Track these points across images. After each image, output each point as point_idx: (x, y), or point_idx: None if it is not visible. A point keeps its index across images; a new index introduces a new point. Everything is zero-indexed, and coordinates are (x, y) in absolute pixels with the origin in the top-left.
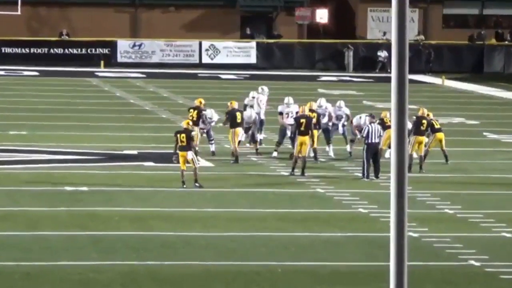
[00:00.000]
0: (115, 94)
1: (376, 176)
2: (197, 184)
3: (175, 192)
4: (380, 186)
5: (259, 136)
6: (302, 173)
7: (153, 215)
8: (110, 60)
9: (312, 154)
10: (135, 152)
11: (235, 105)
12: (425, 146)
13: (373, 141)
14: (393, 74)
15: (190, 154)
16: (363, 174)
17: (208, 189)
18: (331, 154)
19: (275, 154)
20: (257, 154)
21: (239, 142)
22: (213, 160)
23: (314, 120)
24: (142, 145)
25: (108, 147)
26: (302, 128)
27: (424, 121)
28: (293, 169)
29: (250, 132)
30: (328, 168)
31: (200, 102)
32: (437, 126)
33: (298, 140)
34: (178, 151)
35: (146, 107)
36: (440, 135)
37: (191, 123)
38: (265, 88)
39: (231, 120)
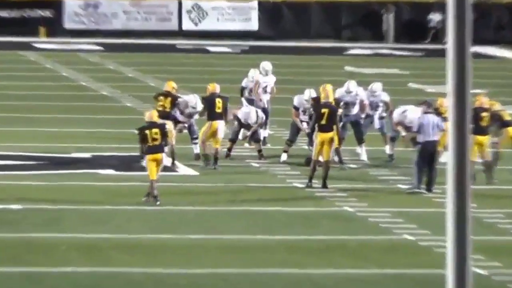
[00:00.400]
0: (60, 73)
1: (429, 189)
2: (157, 201)
3: (144, 212)
4: (433, 203)
5: (263, 133)
6: (324, 185)
7: (113, 243)
8: (54, 27)
9: (336, 158)
10: (88, 155)
11: (216, 88)
12: (492, 147)
13: (430, 138)
14: (450, 46)
15: (165, 158)
16: (415, 185)
17: (190, 207)
18: (364, 157)
19: (284, 157)
20: (259, 158)
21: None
22: (198, 167)
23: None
24: (97, 145)
25: (51, 149)
26: (324, 122)
27: (484, 114)
28: (310, 178)
29: (250, 131)
30: (360, 177)
31: (173, 88)
32: (506, 119)
33: (318, 138)
34: (146, 154)
35: (103, 92)
36: None
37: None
38: (268, 66)
39: (208, 109)
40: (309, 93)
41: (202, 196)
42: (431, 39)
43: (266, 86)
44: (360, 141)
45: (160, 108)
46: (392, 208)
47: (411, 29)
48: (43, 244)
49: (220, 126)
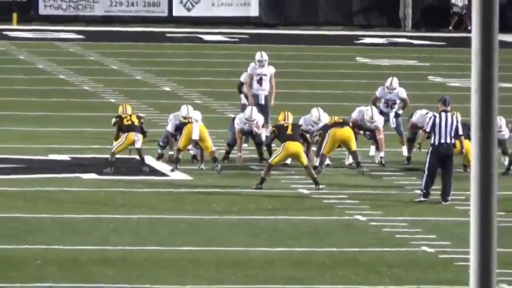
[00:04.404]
0: (35, 65)
1: (444, 199)
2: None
3: (130, 222)
4: (455, 212)
5: (264, 132)
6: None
7: (96, 257)
8: (28, 12)
9: (349, 161)
10: (67, 157)
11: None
12: None
13: (443, 140)
14: (475, 34)
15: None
16: (422, 191)
17: (183, 215)
18: (378, 159)
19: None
20: (260, 161)
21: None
22: (193, 171)
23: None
24: (78, 146)
25: (25, 150)
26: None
27: None
28: (316, 183)
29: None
30: (373, 182)
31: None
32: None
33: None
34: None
35: (84, 87)
36: None
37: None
38: (263, 55)
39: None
40: (318, 114)
41: (196, 204)
42: (454, 26)
43: (260, 79)
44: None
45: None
46: (409, 217)
47: (431, 15)
48: (17, 257)
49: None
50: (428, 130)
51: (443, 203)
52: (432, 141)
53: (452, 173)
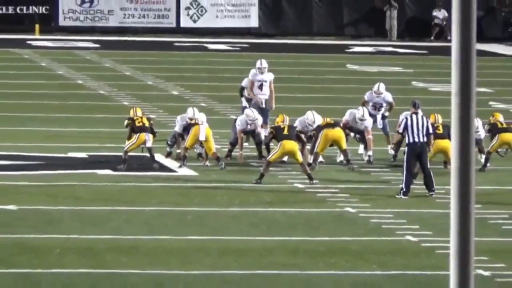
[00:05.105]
0: (56, 72)
1: (430, 190)
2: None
3: (142, 213)
4: (436, 204)
5: (263, 132)
6: (309, 178)
7: (110, 246)
8: (49, 23)
9: (340, 158)
10: (84, 155)
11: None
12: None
13: (417, 139)
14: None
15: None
16: (402, 190)
17: (189, 208)
18: (366, 157)
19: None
20: (260, 158)
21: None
22: (199, 167)
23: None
24: (94, 145)
25: (47, 148)
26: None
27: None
28: (310, 178)
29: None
30: (362, 178)
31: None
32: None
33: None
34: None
35: (100, 91)
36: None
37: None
38: (264, 63)
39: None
40: (313, 116)
41: (202, 197)
42: (435, 36)
43: (261, 85)
44: (362, 140)
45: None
46: (394, 209)
47: (415, 26)
48: (37, 247)
49: (201, 129)
50: (400, 131)
51: (430, 193)
52: (407, 141)
53: (427, 165)
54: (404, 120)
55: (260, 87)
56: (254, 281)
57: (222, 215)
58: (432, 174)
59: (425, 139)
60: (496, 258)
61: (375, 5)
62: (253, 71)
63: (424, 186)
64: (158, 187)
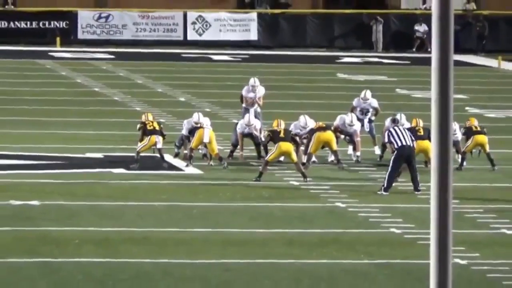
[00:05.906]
0: (75, 80)
1: (416, 189)
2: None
3: (152, 208)
4: (418, 200)
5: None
6: (303, 176)
7: (124, 237)
8: (69, 37)
9: (331, 158)
10: (100, 155)
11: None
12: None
13: (405, 143)
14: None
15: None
16: (383, 185)
17: (195, 203)
18: (355, 157)
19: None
20: (259, 158)
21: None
22: (204, 166)
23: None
24: (110, 146)
25: (66, 149)
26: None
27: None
28: (304, 176)
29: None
30: (351, 176)
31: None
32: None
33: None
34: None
35: (115, 97)
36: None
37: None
38: (255, 81)
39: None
40: (305, 120)
41: (206, 194)
42: (416, 48)
43: (252, 102)
44: (350, 142)
45: (152, 127)
46: (380, 204)
47: (398, 39)
48: (58, 238)
49: (206, 132)
50: (386, 141)
51: (416, 192)
52: (395, 146)
53: (416, 168)
54: (387, 132)
55: (252, 104)
56: (254, 269)
57: (225, 210)
58: (418, 175)
59: (413, 144)
60: (472, 248)
61: (363, 20)
62: (246, 87)
63: (408, 183)
64: (167, 184)
